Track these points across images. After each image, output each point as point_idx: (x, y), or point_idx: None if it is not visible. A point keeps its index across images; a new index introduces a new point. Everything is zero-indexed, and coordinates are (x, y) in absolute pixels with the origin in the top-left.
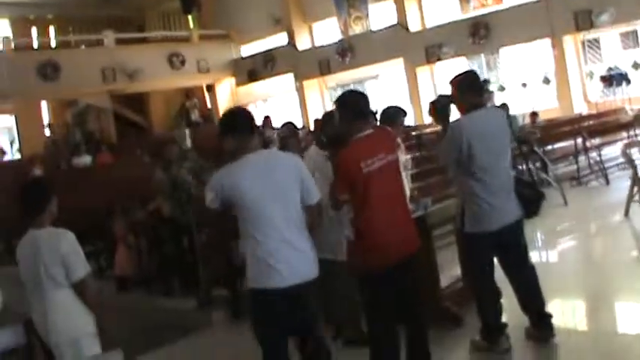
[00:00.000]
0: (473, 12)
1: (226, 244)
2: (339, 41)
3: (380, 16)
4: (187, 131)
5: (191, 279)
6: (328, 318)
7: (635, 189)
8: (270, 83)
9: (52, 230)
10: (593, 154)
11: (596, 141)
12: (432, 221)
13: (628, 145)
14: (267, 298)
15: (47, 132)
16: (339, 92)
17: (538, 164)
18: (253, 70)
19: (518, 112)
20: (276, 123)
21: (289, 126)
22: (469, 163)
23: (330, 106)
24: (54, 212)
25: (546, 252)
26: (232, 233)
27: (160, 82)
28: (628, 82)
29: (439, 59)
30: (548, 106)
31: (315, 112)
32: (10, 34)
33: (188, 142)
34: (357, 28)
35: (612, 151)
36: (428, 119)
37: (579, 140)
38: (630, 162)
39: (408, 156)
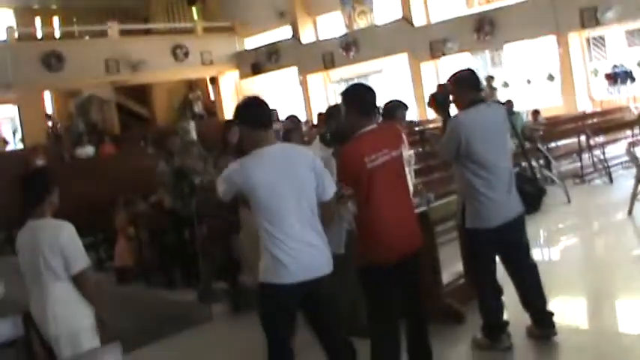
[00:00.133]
0: (478, 7)
1: (227, 237)
2: (344, 35)
3: (384, 11)
4: (193, 123)
5: (192, 271)
6: None
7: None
8: (274, 76)
9: (52, 221)
10: (597, 152)
11: (600, 139)
12: (434, 217)
13: (632, 144)
14: (275, 293)
15: (48, 123)
16: (343, 86)
17: (542, 161)
18: (257, 63)
19: (523, 108)
20: (280, 116)
21: (292, 119)
22: (468, 159)
23: (334, 101)
24: (55, 203)
25: (549, 250)
26: (234, 226)
27: (164, 73)
28: (633, 80)
29: (443, 54)
30: (553, 103)
31: (319, 106)
32: (15, 24)
33: (193, 134)
34: (361, 22)
35: (616, 150)
36: (431, 114)
37: (583, 138)
38: (634, 160)
39: (412, 151)
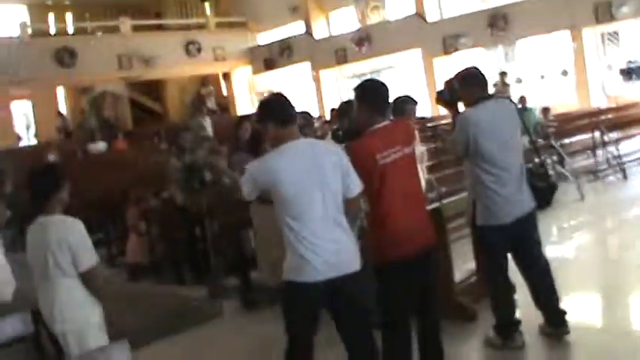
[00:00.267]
0: (491, 2)
1: (238, 233)
2: (356, 30)
3: (397, 6)
4: (209, 118)
5: (202, 267)
6: None
7: None
8: (287, 72)
9: (61, 218)
10: (611, 149)
11: (615, 135)
12: (447, 214)
13: None
14: (300, 292)
15: (59, 120)
16: (356, 82)
17: (555, 158)
18: (270, 58)
19: (536, 104)
20: None
21: (305, 115)
22: (477, 156)
23: (346, 96)
24: (64, 199)
25: (561, 247)
26: (244, 222)
27: (176, 69)
28: None
29: (456, 50)
30: (566, 99)
31: (331, 102)
32: (28, 20)
33: (210, 129)
34: (374, 18)
35: (631, 146)
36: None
37: (597, 134)
38: None
39: (424, 148)
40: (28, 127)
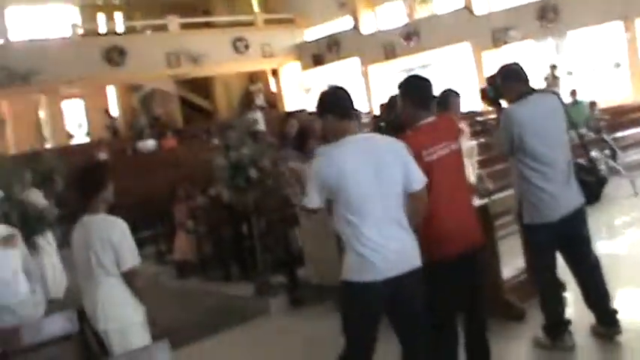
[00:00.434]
0: None
1: (285, 231)
2: (405, 25)
3: None
4: (260, 114)
5: (249, 265)
6: None
7: None
8: (335, 67)
9: (104, 218)
10: None
11: None
12: (494, 210)
13: None
14: (361, 292)
15: (107, 118)
16: (404, 76)
17: (607, 152)
18: (318, 54)
19: (587, 98)
20: None
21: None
22: (522, 152)
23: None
24: (109, 199)
25: (613, 244)
26: (292, 220)
27: (225, 66)
28: None
29: (506, 43)
30: (619, 92)
31: (380, 97)
32: (80, 21)
33: (262, 124)
34: (422, 11)
35: None
36: None
37: None
38: None
39: (474, 142)
40: (79, 126)
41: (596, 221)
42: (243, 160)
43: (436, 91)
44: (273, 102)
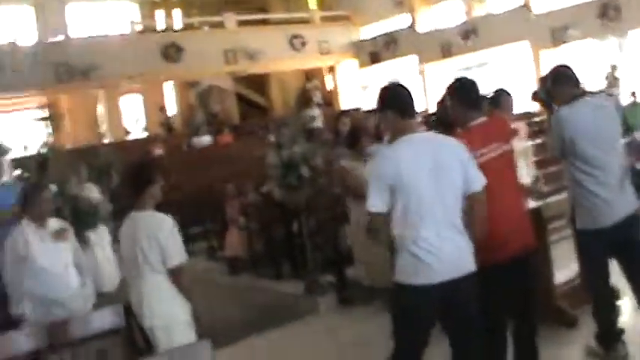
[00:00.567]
0: None
1: (335, 230)
2: (462, 23)
3: None
4: (318, 110)
5: (299, 263)
6: None
7: None
8: (392, 65)
9: (152, 214)
10: None
11: None
12: (548, 214)
13: None
14: (415, 295)
15: (162, 115)
16: (462, 75)
17: None
18: (375, 52)
19: None
20: None
21: None
22: (574, 156)
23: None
24: (156, 196)
25: None
26: (342, 219)
27: (281, 63)
28: None
29: (565, 42)
30: None
31: (437, 96)
32: (138, 17)
33: (319, 121)
34: (480, 10)
35: None
36: None
37: None
38: None
39: (529, 142)
40: (136, 121)
41: None
42: (295, 159)
43: (491, 91)
44: (329, 100)
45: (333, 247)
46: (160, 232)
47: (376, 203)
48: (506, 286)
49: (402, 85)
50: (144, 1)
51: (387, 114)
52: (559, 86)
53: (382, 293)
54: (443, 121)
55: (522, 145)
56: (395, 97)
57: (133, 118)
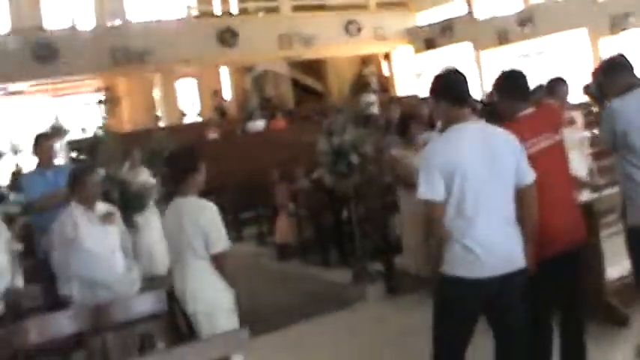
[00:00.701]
0: None
1: (385, 218)
2: (520, 11)
3: None
4: (375, 96)
5: (348, 251)
6: None
7: None
8: (447, 52)
9: (195, 201)
10: None
11: None
12: (600, 207)
13: None
14: (464, 288)
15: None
16: (518, 63)
17: None
18: (430, 38)
19: None
20: None
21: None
22: (626, 148)
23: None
24: (199, 182)
25: None
26: (391, 207)
27: (336, 49)
28: None
29: (624, 29)
30: None
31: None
32: (194, 2)
33: (376, 107)
34: None
35: None
36: None
37: None
38: None
39: (586, 133)
40: (192, 105)
41: None
42: (344, 146)
43: (547, 79)
44: (385, 86)
45: (382, 236)
46: (202, 219)
47: (433, 191)
48: (555, 281)
49: (457, 72)
50: None
51: (439, 102)
52: (612, 76)
53: (429, 283)
54: (492, 112)
55: (578, 135)
56: (448, 85)
57: (189, 102)
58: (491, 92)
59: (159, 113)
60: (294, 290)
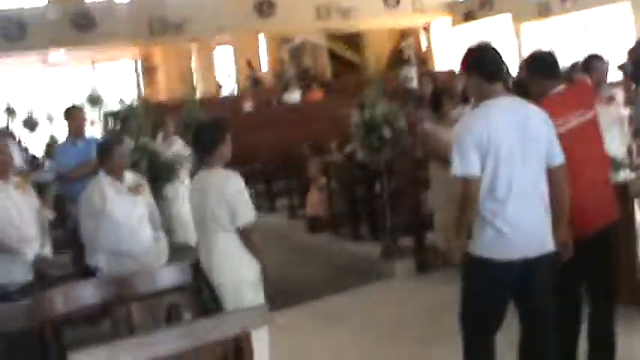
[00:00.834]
0: None
1: (416, 194)
2: None
3: None
4: (414, 70)
5: (379, 225)
6: None
7: None
8: (486, 24)
9: (220, 172)
10: None
11: None
12: (635, 188)
13: None
14: (494, 270)
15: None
16: (559, 35)
17: None
18: (469, 9)
19: None
20: None
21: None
22: None
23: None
24: (225, 154)
25: None
26: (423, 183)
27: (374, 20)
28: None
29: None
30: None
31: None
32: None
33: (415, 82)
34: None
35: None
36: None
37: None
38: None
39: (627, 110)
40: (228, 76)
41: None
42: (376, 119)
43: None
44: (423, 59)
45: (413, 211)
46: (227, 190)
47: (468, 167)
48: (585, 263)
49: (490, 47)
50: None
51: (472, 77)
52: None
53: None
54: (519, 86)
55: (618, 113)
56: (481, 60)
57: (225, 73)
58: (521, 69)
59: (195, 83)
60: (324, 263)
